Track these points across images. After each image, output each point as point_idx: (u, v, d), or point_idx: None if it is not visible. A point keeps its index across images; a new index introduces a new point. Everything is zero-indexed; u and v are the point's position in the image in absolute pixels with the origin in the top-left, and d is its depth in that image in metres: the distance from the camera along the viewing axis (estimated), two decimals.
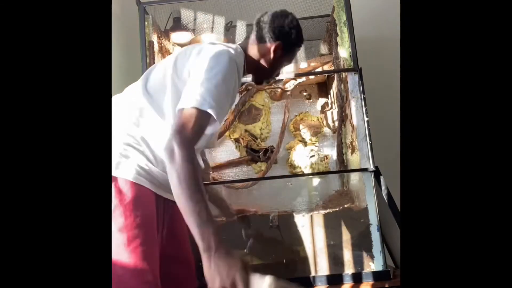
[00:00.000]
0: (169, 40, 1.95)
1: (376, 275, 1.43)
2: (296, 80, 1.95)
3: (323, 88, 2.09)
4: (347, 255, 1.52)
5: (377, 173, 1.54)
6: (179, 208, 0.92)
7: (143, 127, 1.09)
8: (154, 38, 1.73)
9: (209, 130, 1.04)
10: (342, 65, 1.73)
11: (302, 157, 1.90)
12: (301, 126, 2.01)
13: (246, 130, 2.03)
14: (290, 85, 1.98)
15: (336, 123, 1.90)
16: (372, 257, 1.46)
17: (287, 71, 1.79)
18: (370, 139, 1.54)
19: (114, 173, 1.02)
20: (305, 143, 1.98)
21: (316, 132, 2.00)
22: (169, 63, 1.14)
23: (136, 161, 1.06)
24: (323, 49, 2.04)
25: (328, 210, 1.58)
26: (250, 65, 1.23)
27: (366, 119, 1.55)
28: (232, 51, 1.12)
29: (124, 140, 1.07)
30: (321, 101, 2.05)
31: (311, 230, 1.54)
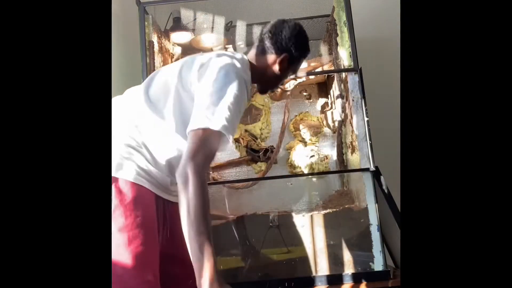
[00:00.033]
0: (169, 40, 1.95)
1: (376, 275, 1.43)
2: (296, 80, 1.95)
3: (323, 88, 2.09)
4: (347, 255, 1.52)
5: (377, 173, 1.54)
6: (184, 233, 0.93)
7: (143, 131, 1.09)
8: (154, 38, 1.74)
9: (220, 149, 1.04)
10: (342, 65, 1.73)
11: (302, 157, 1.90)
12: (301, 126, 2.01)
13: (246, 130, 2.03)
14: (290, 85, 1.98)
15: (336, 123, 1.91)
16: (372, 257, 1.46)
17: None
18: (370, 139, 1.54)
19: (115, 174, 1.02)
20: (305, 143, 1.98)
21: (316, 132, 2.00)
22: (174, 71, 1.14)
23: (136, 162, 1.06)
24: (323, 49, 2.04)
25: (328, 210, 1.59)
26: (256, 76, 1.21)
27: (366, 119, 1.55)
28: (239, 65, 1.11)
29: (125, 141, 1.07)
30: (321, 101, 2.05)
31: (311, 230, 1.55)
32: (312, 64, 1.92)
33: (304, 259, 1.51)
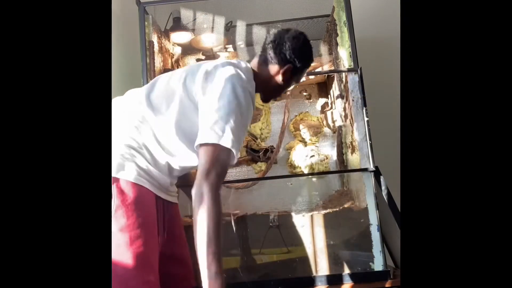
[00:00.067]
0: (169, 40, 1.95)
1: (376, 275, 1.43)
2: None
3: (323, 88, 2.09)
4: (347, 255, 1.52)
5: (377, 173, 1.54)
6: (196, 248, 0.96)
7: (144, 133, 1.09)
8: (154, 38, 1.73)
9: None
10: (342, 65, 1.73)
11: (302, 157, 1.89)
12: (301, 126, 2.01)
13: None
14: None
15: (336, 123, 1.91)
16: (372, 257, 1.45)
17: None
18: (370, 139, 1.54)
19: (116, 174, 1.02)
20: (305, 143, 1.98)
21: (316, 132, 2.00)
22: (178, 79, 1.14)
23: (137, 162, 1.06)
24: (323, 49, 2.04)
25: (328, 210, 1.58)
26: (259, 85, 1.21)
27: (366, 119, 1.55)
28: (245, 77, 1.11)
29: (126, 142, 1.07)
30: (321, 101, 2.05)
31: (311, 230, 1.54)
32: (312, 64, 1.92)
33: (304, 259, 1.51)
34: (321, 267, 1.50)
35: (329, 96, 2.04)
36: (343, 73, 1.73)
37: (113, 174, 1.02)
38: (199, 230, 0.95)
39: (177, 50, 1.99)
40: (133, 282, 0.99)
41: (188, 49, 2.04)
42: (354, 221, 1.55)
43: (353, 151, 1.70)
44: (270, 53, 1.21)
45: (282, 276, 1.47)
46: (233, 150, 1.01)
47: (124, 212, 1.01)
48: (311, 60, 1.28)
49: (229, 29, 2.01)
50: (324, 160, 1.90)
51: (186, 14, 1.96)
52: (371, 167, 1.52)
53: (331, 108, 1.97)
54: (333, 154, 1.94)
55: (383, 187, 1.55)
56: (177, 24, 1.96)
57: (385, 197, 1.55)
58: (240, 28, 2.00)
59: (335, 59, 1.83)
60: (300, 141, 1.99)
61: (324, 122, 2.01)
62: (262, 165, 1.95)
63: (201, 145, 1.01)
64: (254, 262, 1.54)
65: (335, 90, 1.90)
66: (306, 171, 1.86)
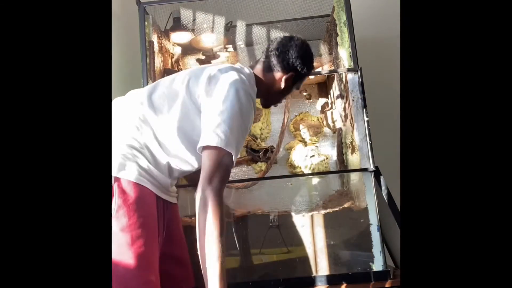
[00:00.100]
0: (169, 40, 1.95)
1: (376, 275, 1.43)
2: None
3: (323, 88, 2.09)
4: (347, 255, 1.52)
5: (377, 173, 1.54)
6: (198, 250, 0.98)
7: (145, 133, 1.10)
8: (154, 38, 1.73)
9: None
10: (342, 65, 1.73)
11: (302, 157, 1.89)
12: (301, 126, 2.01)
13: None
14: None
15: (336, 123, 1.90)
16: (372, 257, 1.45)
17: None
18: (370, 139, 1.54)
19: (117, 174, 1.03)
20: (305, 143, 1.98)
21: (316, 132, 1.99)
22: (181, 82, 1.15)
23: (139, 163, 1.06)
24: (323, 49, 2.04)
25: (328, 210, 1.58)
26: (260, 91, 1.23)
27: (366, 119, 1.55)
28: (247, 82, 1.13)
29: (127, 142, 1.08)
30: (321, 101, 2.05)
31: (311, 230, 1.54)
32: None
33: (304, 259, 1.51)
34: (321, 267, 1.50)
35: (329, 96, 2.04)
36: (343, 73, 1.73)
37: (115, 174, 1.02)
38: (202, 234, 0.96)
39: (177, 50, 1.99)
40: (134, 282, 0.99)
41: (188, 49, 2.04)
42: (354, 221, 1.55)
43: (353, 151, 1.70)
44: (273, 61, 1.23)
45: (282, 276, 1.47)
46: (233, 154, 1.03)
47: (125, 212, 1.01)
48: (313, 68, 1.31)
49: (229, 29, 2.01)
50: (324, 160, 1.90)
51: (186, 14, 1.96)
52: (371, 167, 1.52)
53: (331, 108, 1.97)
54: (333, 154, 1.94)
55: (383, 187, 1.55)
56: (177, 24, 1.96)
57: (385, 197, 1.54)
58: (240, 28, 2.00)
59: (335, 59, 1.83)
60: (300, 141, 1.99)
61: (324, 122, 2.01)
62: (262, 165, 1.95)
63: (204, 148, 1.03)
64: (254, 262, 1.54)
65: (335, 90, 1.90)
66: (306, 171, 1.86)
